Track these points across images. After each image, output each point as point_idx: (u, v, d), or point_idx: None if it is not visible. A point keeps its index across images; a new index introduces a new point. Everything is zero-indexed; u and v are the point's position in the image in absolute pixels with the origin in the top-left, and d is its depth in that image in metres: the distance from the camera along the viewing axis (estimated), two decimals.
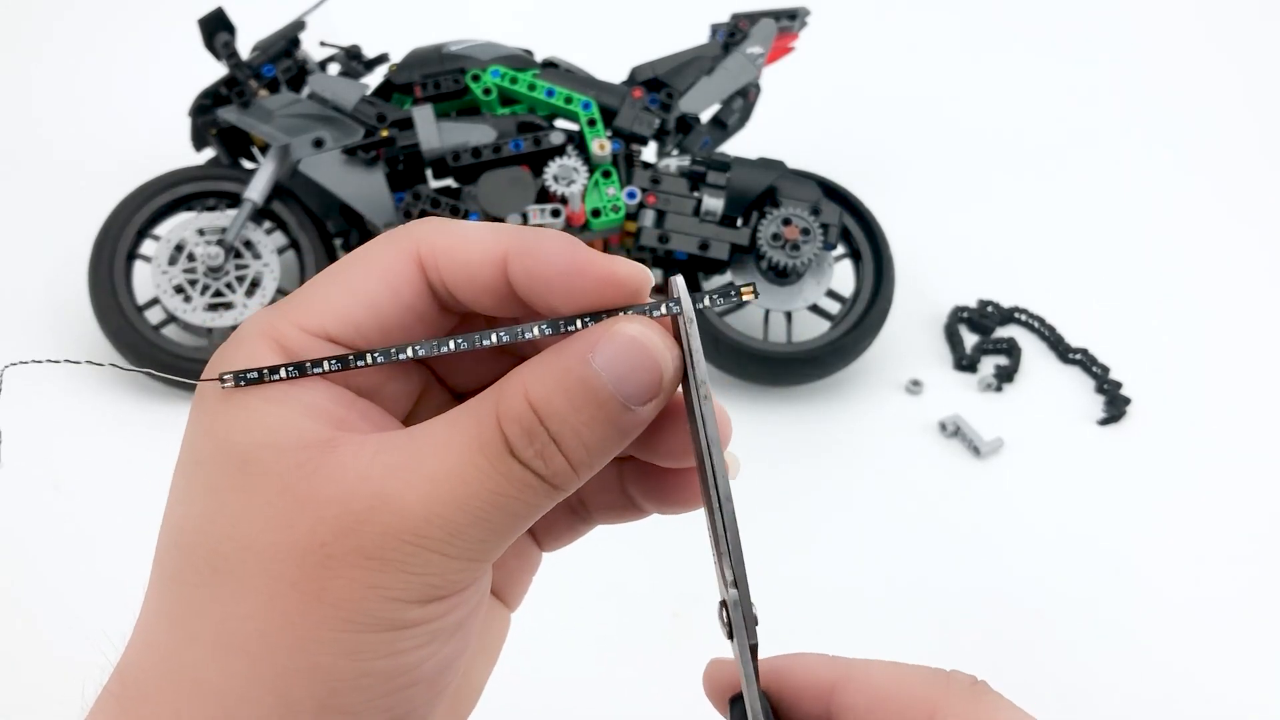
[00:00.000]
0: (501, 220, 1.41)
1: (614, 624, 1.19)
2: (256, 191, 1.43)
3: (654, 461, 0.35)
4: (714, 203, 1.44)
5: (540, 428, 0.29)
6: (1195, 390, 1.51)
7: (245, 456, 0.29)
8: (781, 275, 1.45)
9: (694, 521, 0.36)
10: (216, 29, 1.46)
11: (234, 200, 1.46)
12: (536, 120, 1.47)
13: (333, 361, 0.30)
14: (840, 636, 1.18)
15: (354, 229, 1.53)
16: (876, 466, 1.41)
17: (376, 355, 0.31)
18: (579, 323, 0.30)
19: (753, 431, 1.41)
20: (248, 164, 1.56)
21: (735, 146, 1.61)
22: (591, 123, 1.45)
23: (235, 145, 1.53)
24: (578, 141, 1.45)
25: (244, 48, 1.52)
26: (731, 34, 1.57)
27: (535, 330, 0.31)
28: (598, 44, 1.79)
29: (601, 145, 1.43)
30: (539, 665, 0.98)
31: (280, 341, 0.31)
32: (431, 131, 1.43)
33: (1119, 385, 1.49)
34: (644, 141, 1.49)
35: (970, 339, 1.58)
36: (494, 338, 0.31)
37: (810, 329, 1.51)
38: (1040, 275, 1.68)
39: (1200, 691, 1.16)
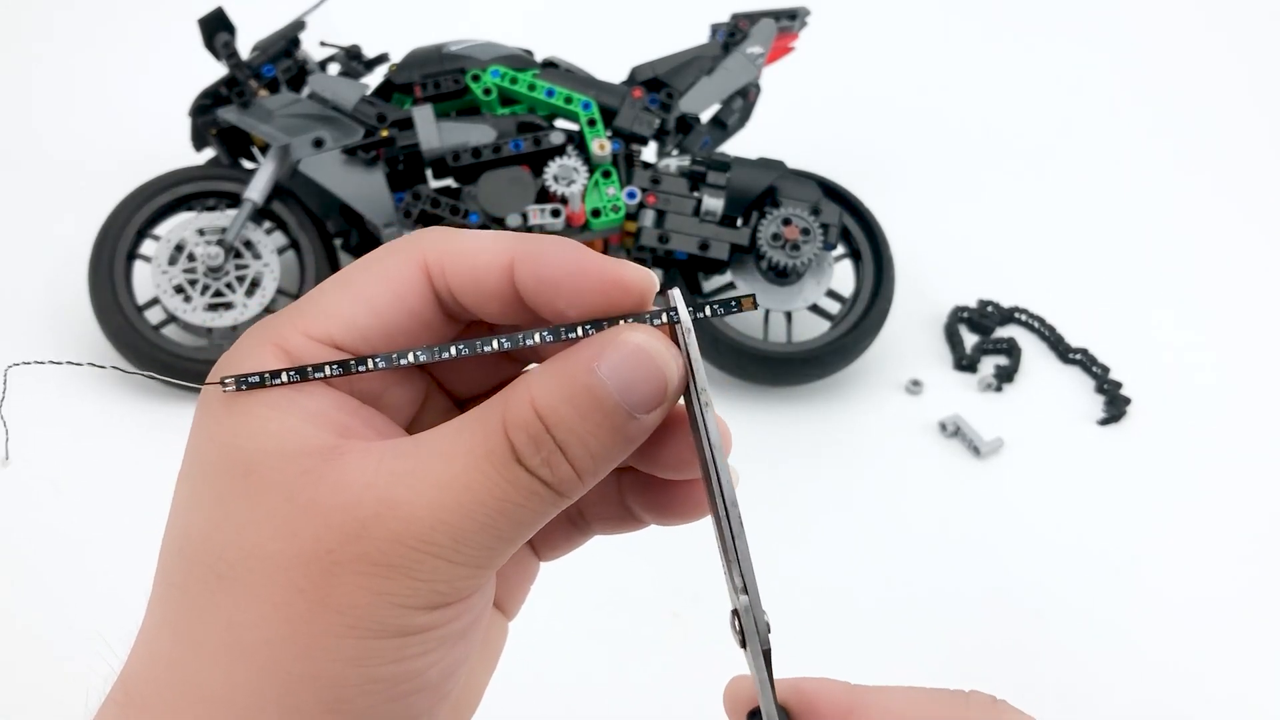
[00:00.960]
0: (502, 220, 1.41)
1: (614, 624, 1.19)
2: (256, 191, 1.43)
3: (653, 473, 0.35)
4: (714, 203, 1.44)
5: (546, 435, 0.29)
6: (1195, 390, 1.51)
7: (250, 463, 0.29)
8: (781, 275, 1.44)
9: (693, 523, 0.36)
10: (216, 29, 1.46)
11: (234, 200, 1.46)
12: (536, 120, 1.47)
13: (334, 366, 0.30)
14: (840, 636, 1.18)
15: (354, 229, 1.53)
16: (876, 466, 1.41)
17: (378, 360, 0.31)
18: (580, 330, 0.31)
19: (752, 431, 1.41)
20: (248, 164, 1.56)
21: (735, 146, 1.61)
22: (591, 123, 1.45)
23: (235, 145, 1.53)
24: (578, 141, 1.45)
25: (244, 48, 1.52)
26: (731, 34, 1.57)
27: (537, 337, 0.31)
28: (598, 44, 1.78)
29: (601, 145, 1.42)
30: (538, 665, 0.98)
31: (285, 347, 0.31)
32: (431, 131, 1.43)
33: (1119, 385, 1.49)
34: (644, 141, 1.49)
35: (970, 339, 1.58)
36: (495, 344, 0.31)
37: (810, 329, 1.51)
38: (1040, 275, 1.68)
39: (1200, 692, 1.16)
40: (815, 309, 1.49)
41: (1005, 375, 1.51)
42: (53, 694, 1.11)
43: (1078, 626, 1.22)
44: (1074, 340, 1.57)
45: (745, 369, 1.46)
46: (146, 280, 1.44)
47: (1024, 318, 1.60)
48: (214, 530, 0.29)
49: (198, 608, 0.29)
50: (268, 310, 1.45)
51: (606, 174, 1.44)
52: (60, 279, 1.56)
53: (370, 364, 0.31)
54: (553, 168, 1.41)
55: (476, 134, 1.44)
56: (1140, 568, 1.28)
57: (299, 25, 1.51)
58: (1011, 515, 1.34)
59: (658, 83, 1.51)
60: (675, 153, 1.51)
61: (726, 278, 1.51)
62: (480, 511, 0.29)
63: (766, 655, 0.31)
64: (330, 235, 1.52)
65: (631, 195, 1.43)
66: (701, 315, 0.32)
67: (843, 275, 1.54)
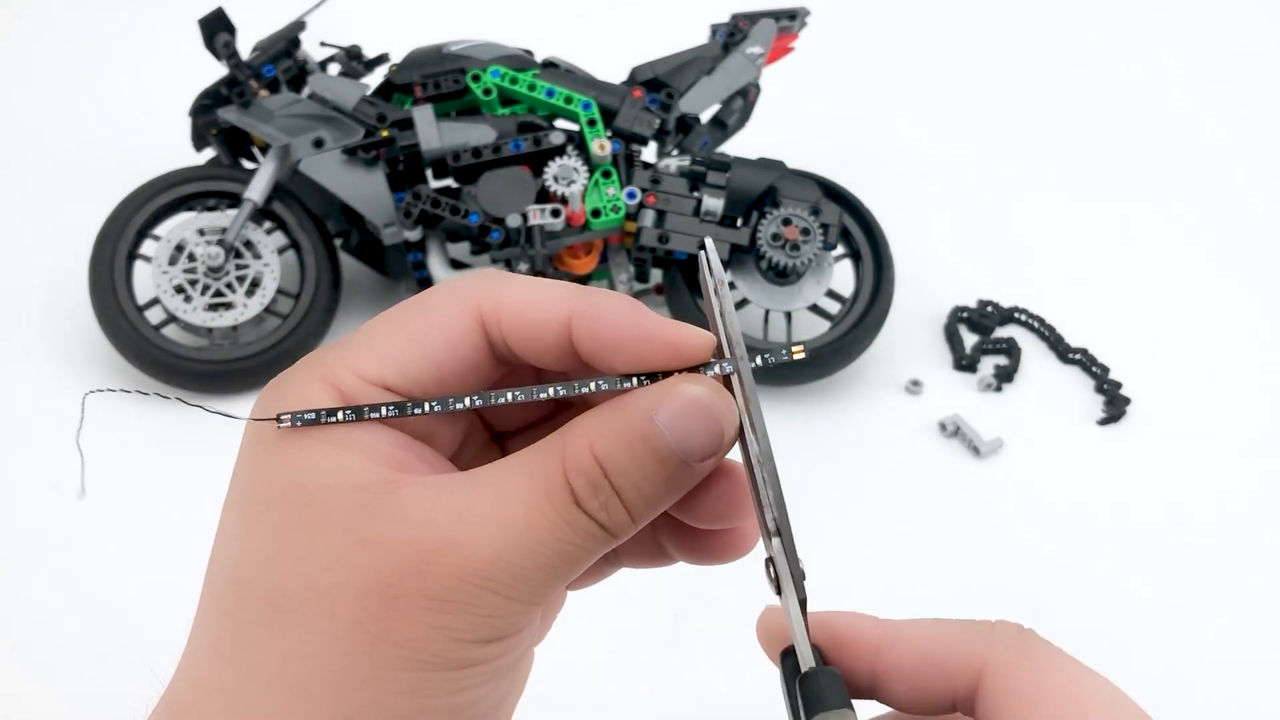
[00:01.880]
0: (502, 220, 1.41)
1: (614, 624, 1.19)
2: (257, 191, 1.43)
3: (689, 522, 0.35)
4: (714, 203, 1.44)
5: (605, 481, 0.30)
6: (1195, 390, 1.51)
7: (307, 497, 0.30)
8: (781, 275, 1.45)
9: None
10: (217, 29, 1.46)
11: (234, 200, 1.46)
12: (536, 120, 1.47)
13: (390, 408, 0.31)
14: None
15: (354, 229, 1.53)
16: (876, 466, 1.41)
17: (433, 404, 0.32)
18: (635, 380, 0.32)
19: None
20: (248, 164, 1.56)
21: (735, 146, 1.61)
22: (591, 123, 1.46)
23: (236, 145, 1.53)
24: (578, 142, 1.45)
25: (244, 48, 1.52)
26: (731, 34, 1.57)
27: (592, 385, 0.32)
28: (598, 44, 1.79)
29: (601, 145, 1.43)
30: (538, 665, 0.98)
31: (336, 385, 0.31)
32: (431, 132, 1.43)
33: (1119, 385, 1.49)
34: (644, 142, 1.49)
35: (970, 339, 1.58)
36: (550, 391, 0.32)
37: (810, 329, 1.51)
38: (1040, 275, 1.68)
39: (1200, 692, 1.16)
40: (815, 309, 1.49)
41: (1005, 375, 1.51)
42: (50, 693, 1.11)
43: (1077, 626, 1.22)
44: (1074, 340, 1.57)
45: None
46: (147, 280, 1.44)
47: (1024, 318, 1.60)
48: (270, 561, 0.30)
49: (252, 638, 0.30)
50: (268, 310, 1.46)
51: (606, 174, 1.44)
52: (61, 279, 1.56)
53: (426, 407, 0.31)
54: (553, 168, 1.41)
55: (476, 134, 1.44)
56: (1139, 566, 1.28)
57: (299, 25, 1.51)
58: (1011, 515, 1.34)
59: (658, 83, 1.51)
60: (675, 153, 1.51)
61: (727, 277, 1.51)
62: (539, 551, 0.30)
63: (802, 604, 0.31)
64: (330, 235, 1.52)
65: (631, 195, 1.43)
66: (755, 365, 0.33)
67: (843, 275, 1.54)
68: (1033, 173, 1.88)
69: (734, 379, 0.32)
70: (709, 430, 0.31)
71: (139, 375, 1.44)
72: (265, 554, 0.30)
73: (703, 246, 0.33)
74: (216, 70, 1.52)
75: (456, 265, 1.51)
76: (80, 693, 1.10)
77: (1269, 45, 2.16)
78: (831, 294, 1.51)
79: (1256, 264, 1.72)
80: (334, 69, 1.55)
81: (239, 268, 1.44)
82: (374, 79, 1.55)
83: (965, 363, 1.53)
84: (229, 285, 1.44)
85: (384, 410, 0.31)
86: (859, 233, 1.51)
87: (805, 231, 1.41)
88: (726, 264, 1.45)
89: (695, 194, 1.45)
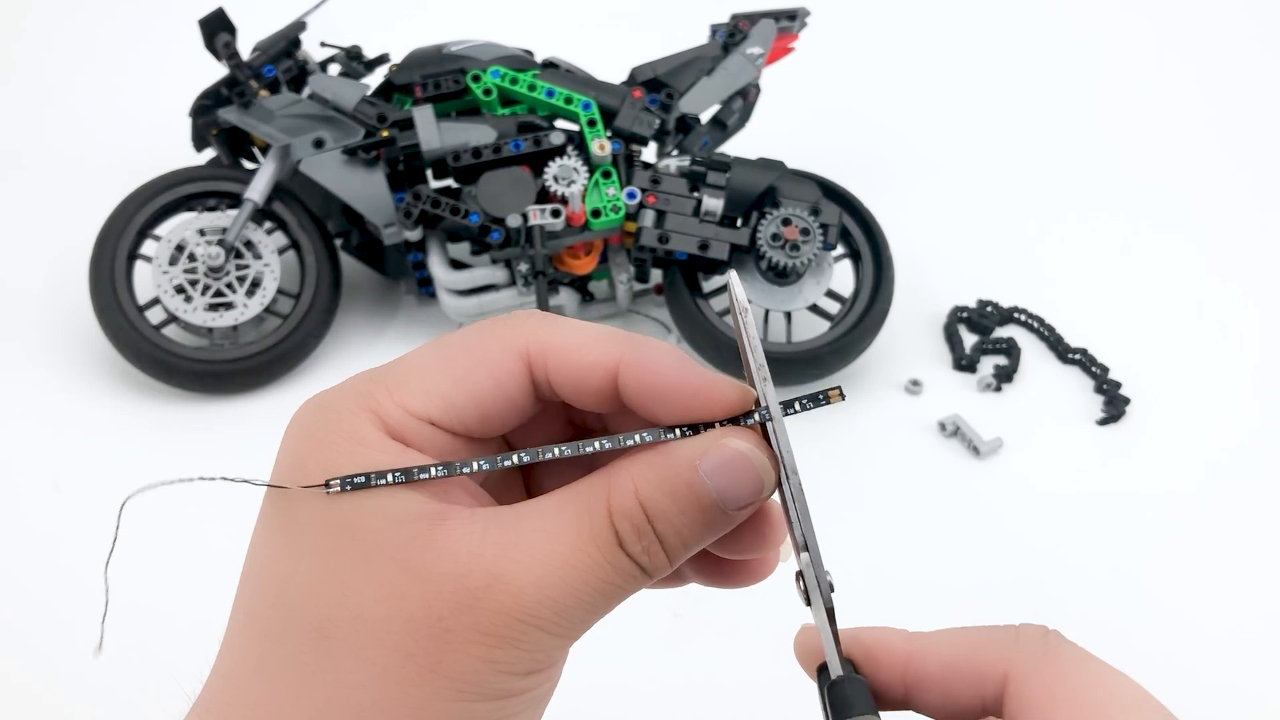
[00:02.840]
0: (502, 220, 1.41)
1: (614, 624, 1.19)
2: (257, 192, 1.43)
3: (715, 552, 0.37)
4: (714, 203, 1.44)
5: (648, 526, 0.32)
6: (1195, 390, 1.51)
7: (354, 525, 0.30)
8: (781, 275, 1.45)
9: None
10: (217, 29, 1.46)
11: (235, 200, 1.47)
12: (537, 121, 1.47)
13: (439, 468, 0.32)
14: None
15: (354, 229, 1.53)
16: (876, 466, 1.41)
17: (481, 463, 0.33)
18: (678, 432, 0.33)
19: None
20: (248, 164, 1.56)
21: (735, 146, 1.62)
22: (591, 123, 1.46)
23: (236, 146, 1.53)
24: (578, 142, 1.46)
25: (244, 48, 1.52)
26: (731, 34, 1.57)
27: (637, 438, 0.33)
28: (598, 44, 1.79)
29: (601, 146, 1.43)
30: None
31: (383, 417, 0.32)
32: (432, 132, 1.43)
33: (1118, 385, 1.49)
34: (644, 142, 1.50)
35: (970, 339, 1.58)
36: (598, 445, 0.33)
37: (810, 329, 1.51)
38: (1040, 275, 1.68)
39: (1200, 691, 1.16)
40: (815, 309, 1.49)
41: (1004, 375, 1.51)
42: (48, 694, 1.11)
43: (1077, 627, 1.21)
44: (1073, 340, 1.57)
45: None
46: (147, 280, 1.44)
47: (1023, 318, 1.60)
48: (317, 588, 0.30)
49: (299, 663, 0.30)
50: (268, 310, 1.46)
51: (606, 174, 1.44)
52: (61, 279, 1.56)
53: (475, 466, 0.32)
54: (553, 168, 1.41)
55: (477, 134, 1.44)
56: (1139, 567, 1.28)
57: (299, 26, 1.51)
58: (1011, 515, 1.34)
59: (658, 83, 1.51)
60: (675, 153, 1.51)
61: (727, 277, 1.52)
62: (584, 590, 0.31)
63: (830, 613, 0.33)
64: (330, 235, 1.52)
65: (631, 195, 1.43)
66: (793, 411, 0.35)
67: (842, 275, 1.54)
68: (1032, 173, 1.88)
69: (765, 400, 0.34)
70: (750, 482, 0.32)
71: (139, 375, 1.44)
72: (312, 580, 0.31)
73: (727, 272, 0.35)
74: (217, 70, 1.52)
75: (456, 265, 1.51)
76: (83, 694, 1.10)
77: (1269, 42, 2.16)
78: (831, 294, 1.51)
79: (1257, 264, 1.72)
80: (334, 69, 1.55)
81: (239, 268, 1.44)
82: (374, 79, 1.55)
83: (965, 363, 1.53)
84: (229, 285, 1.44)
85: (433, 471, 0.31)
86: (859, 233, 1.52)
87: (805, 232, 1.42)
88: (727, 264, 1.46)
89: (695, 194, 1.45)
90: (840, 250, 1.53)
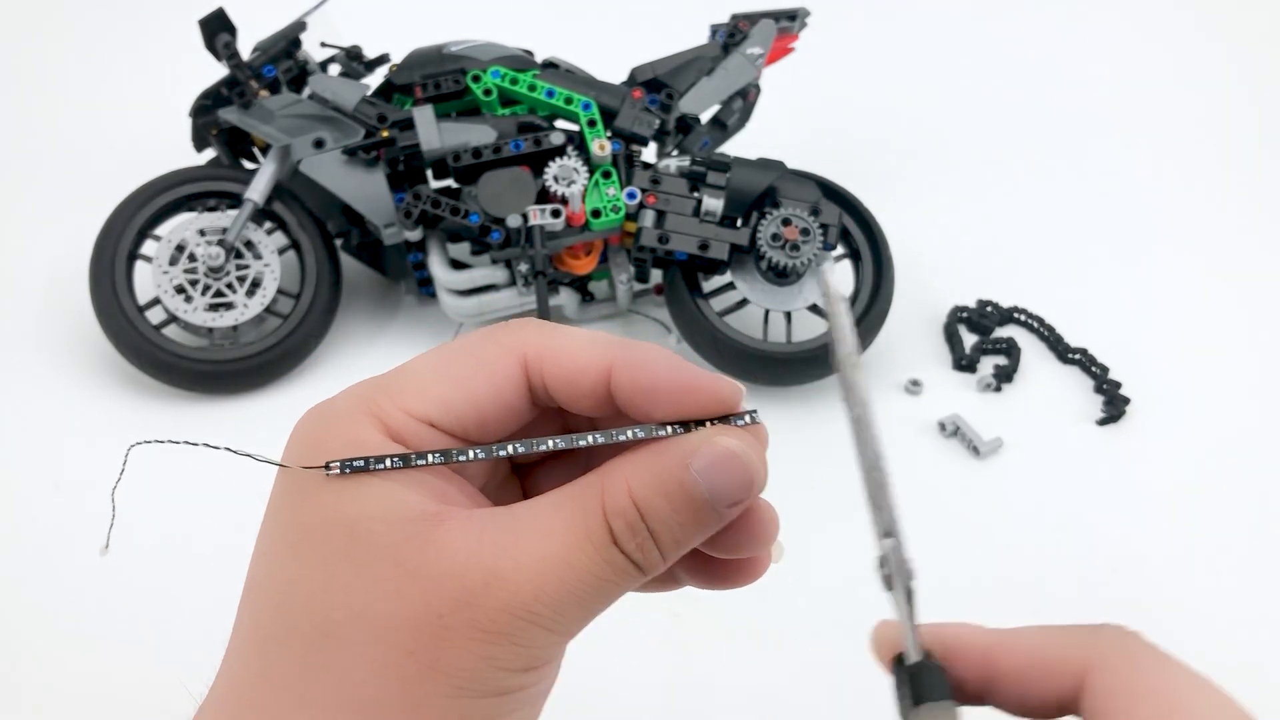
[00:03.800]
0: (502, 220, 1.41)
1: (614, 624, 1.19)
2: (257, 192, 1.43)
3: (708, 552, 0.37)
4: (714, 203, 1.44)
5: (642, 524, 0.32)
6: (1194, 390, 1.51)
7: (355, 527, 0.31)
8: (781, 275, 1.45)
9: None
10: (217, 30, 1.46)
11: (235, 200, 1.47)
12: (537, 121, 1.47)
13: (436, 455, 0.33)
14: (839, 636, 1.18)
15: (355, 229, 1.53)
16: None
17: (477, 452, 0.34)
18: (669, 429, 0.34)
19: None
20: (249, 164, 1.56)
21: (735, 147, 1.62)
22: (591, 123, 1.46)
23: (236, 146, 1.53)
24: (578, 142, 1.46)
25: (245, 48, 1.52)
26: (731, 34, 1.57)
27: (629, 434, 0.34)
28: (598, 44, 1.79)
29: (601, 146, 1.43)
30: None
31: (384, 420, 0.33)
32: (432, 132, 1.43)
33: (1118, 385, 1.50)
34: (644, 142, 1.50)
35: (969, 339, 1.58)
36: (590, 439, 0.34)
37: (810, 329, 1.52)
38: (1040, 275, 1.68)
39: None
40: (815, 309, 1.49)
41: (1004, 375, 1.51)
42: (46, 695, 1.11)
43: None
44: (1073, 340, 1.57)
45: (745, 369, 1.46)
46: (147, 280, 1.44)
47: (1023, 318, 1.60)
48: (319, 590, 0.31)
49: (305, 664, 0.31)
50: (268, 310, 1.46)
51: (606, 174, 1.44)
52: (61, 279, 1.56)
53: (470, 455, 0.33)
54: (553, 168, 1.41)
55: (477, 134, 1.44)
56: (1139, 567, 1.28)
57: (300, 26, 1.52)
58: (1011, 515, 1.34)
59: (657, 83, 1.51)
60: (675, 153, 1.51)
61: (726, 278, 1.51)
62: (579, 587, 0.32)
63: (910, 598, 0.34)
64: (331, 235, 1.52)
65: (631, 196, 1.43)
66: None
67: (842, 275, 1.54)
68: (1033, 173, 1.88)
69: (847, 385, 0.35)
70: (741, 480, 0.33)
71: (139, 375, 1.44)
72: (314, 583, 0.31)
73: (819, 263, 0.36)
74: (217, 71, 1.52)
75: (457, 265, 1.51)
76: (85, 695, 1.10)
77: (1269, 47, 2.17)
78: None
79: (1257, 264, 1.72)
80: (334, 70, 1.55)
81: (239, 268, 1.44)
82: (374, 80, 1.55)
83: (965, 363, 1.53)
84: (229, 285, 1.44)
85: (430, 458, 0.33)
86: (859, 233, 1.52)
87: (805, 232, 1.42)
88: (726, 264, 1.46)
89: (695, 194, 1.45)
90: (840, 250, 1.53)
